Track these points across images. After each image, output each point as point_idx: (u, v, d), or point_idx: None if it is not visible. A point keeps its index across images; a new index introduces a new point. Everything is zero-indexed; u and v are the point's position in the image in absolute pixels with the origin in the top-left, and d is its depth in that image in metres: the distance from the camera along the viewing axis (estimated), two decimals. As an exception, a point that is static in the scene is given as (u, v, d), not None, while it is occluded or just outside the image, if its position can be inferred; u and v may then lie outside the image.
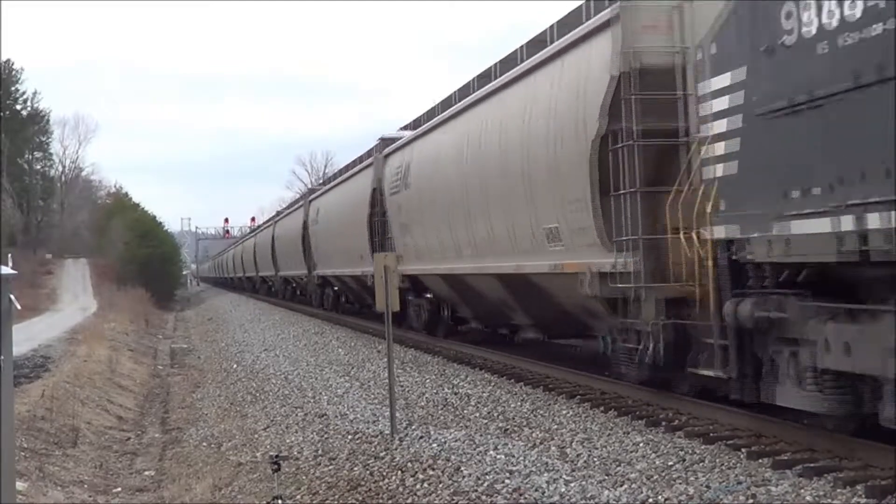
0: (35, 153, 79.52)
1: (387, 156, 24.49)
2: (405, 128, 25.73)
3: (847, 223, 7.61)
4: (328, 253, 33.85)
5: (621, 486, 8.35)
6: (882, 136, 7.25)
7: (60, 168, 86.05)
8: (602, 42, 12.08)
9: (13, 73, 74.32)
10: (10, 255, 8.93)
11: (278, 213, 58.30)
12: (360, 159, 30.50)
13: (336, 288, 35.38)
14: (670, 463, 8.92)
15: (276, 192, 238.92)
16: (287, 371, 19.79)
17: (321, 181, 43.18)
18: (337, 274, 32.61)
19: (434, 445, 10.68)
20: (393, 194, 23.06)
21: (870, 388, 7.98)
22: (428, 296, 22.19)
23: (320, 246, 35.43)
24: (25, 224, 74.48)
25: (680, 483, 8.24)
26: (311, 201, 39.05)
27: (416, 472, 9.76)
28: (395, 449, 10.87)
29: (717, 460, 8.89)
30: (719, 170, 9.58)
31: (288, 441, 12.89)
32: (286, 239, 45.86)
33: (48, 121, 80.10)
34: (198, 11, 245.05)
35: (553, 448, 10.06)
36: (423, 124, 22.36)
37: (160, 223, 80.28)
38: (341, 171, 35.54)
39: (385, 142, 25.56)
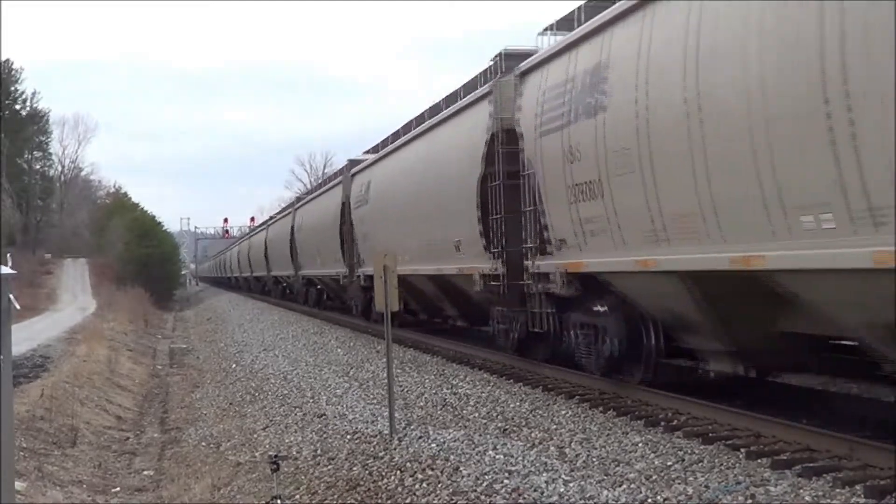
0: (34, 153, 79.56)
1: (525, 73, 14.68)
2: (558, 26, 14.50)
3: None
4: (385, 244, 22.43)
5: (620, 486, 8.35)
6: None
7: (60, 168, 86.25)
8: None
9: (12, 72, 74.38)
10: (9, 255, 8.94)
11: (298, 200, 46.29)
12: (451, 99, 19.79)
13: None
14: (669, 463, 8.92)
15: (275, 192, 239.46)
16: (286, 371, 19.79)
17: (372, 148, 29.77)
18: (401, 272, 20.47)
19: (433, 445, 10.68)
20: (547, 134, 13.26)
21: None
22: (599, 308, 12.86)
23: (371, 234, 25.20)
24: (25, 224, 74.49)
25: (679, 483, 8.25)
26: (354, 175, 28.40)
27: (415, 472, 9.76)
28: (394, 449, 10.87)
29: (716, 460, 8.89)
30: None
31: (287, 441, 12.90)
32: (312, 228, 35.88)
33: (47, 120, 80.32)
34: (198, 11, 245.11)
35: (552, 448, 10.06)
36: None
37: (159, 223, 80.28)
38: (410, 126, 23.50)
39: (512, 58, 15.77)
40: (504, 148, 15.03)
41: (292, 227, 41.08)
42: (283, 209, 55.66)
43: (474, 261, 16.64)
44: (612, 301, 12.53)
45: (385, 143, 26.66)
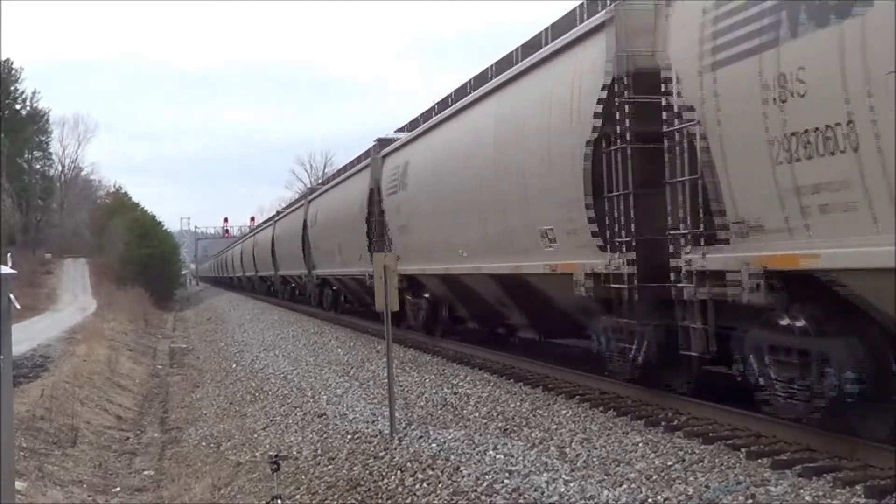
0: (34, 153, 79.71)
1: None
2: None
3: None
4: (429, 236, 19.43)
5: (620, 486, 8.34)
6: None
7: (60, 168, 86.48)
8: None
9: (12, 72, 74.43)
10: (9, 255, 8.91)
11: (311, 191, 40.42)
12: (531, 47, 15.21)
13: (427, 296, 21.06)
14: (669, 463, 8.92)
15: (275, 192, 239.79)
16: (286, 371, 19.79)
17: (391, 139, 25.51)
18: (452, 271, 17.98)
19: (433, 445, 10.68)
20: (727, 63, 9.21)
21: None
22: (802, 325, 8.80)
23: (410, 225, 20.83)
24: (25, 224, 74.58)
25: (679, 483, 8.24)
26: (385, 157, 23.84)
27: (416, 472, 9.76)
28: (395, 449, 10.87)
29: (717, 460, 8.88)
30: None
31: (287, 441, 12.90)
32: (331, 221, 30.87)
33: (47, 120, 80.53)
34: (198, 11, 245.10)
35: (552, 448, 10.06)
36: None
37: (159, 223, 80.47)
38: (466, 88, 19.07)
39: None
40: (632, 97, 11.01)
41: (305, 221, 36.45)
42: (294, 201, 51.25)
43: (576, 255, 12.46)
44: (834, 314, 8.54)
45: (429, 114, 21.85)
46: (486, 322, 19.56)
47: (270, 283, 53.37)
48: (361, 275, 25.63)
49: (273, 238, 48.53)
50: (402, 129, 25.21)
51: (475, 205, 16.27)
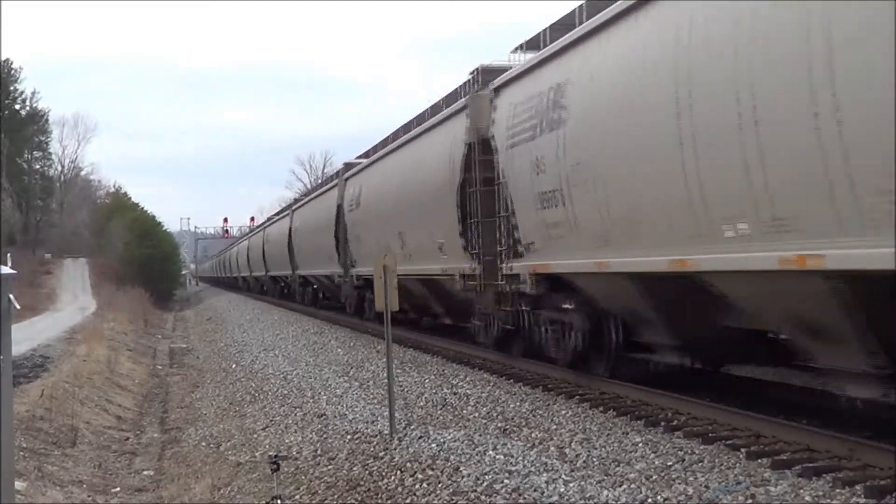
0: (34, 153, 79.62)
1: None
2: None
3: None
4: (604, 201, 11.38)
5: (620, 486, 8.34)
6: None
7: (59, 168, 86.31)
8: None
9: (12, 72, 74.42)
10: (9, 255, 8.90)
11: (347, 167, 30.50)
12: None
13: (572, 307, 13.43)
14: (669, 463, 8.92)
15: (275, 192, 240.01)
16: (286, 371, 19.79)
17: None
18: (699, 267, 9.59)
19: (433, 445, 10.68)
20: None
21: None
22: None
23: (562, 190, 12.46)
24: (24, 224, 74.55)
25: (679, 483, 8.24)
26: (500, 89, 15.51)
27: (416, 472, 9.76)
28: (395, 449, 10.87)
29: (717, 460, 8.89)
30: None
31: (287, 441, 12.90)
32: (386, 201, 22.91)
33: (47, 120, 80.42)
34: (198, 11, 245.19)
35: (552, 448, 10.06)
36: None
37: (159, 223, 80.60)
38: None
39: None
40: None
41: (339, 207, 28.87)
42: (320, 184, 43.32)
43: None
44: None
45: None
46: (717, 357, 12.18)
47: (285, 284, 45.23)
48: (442, 274, 17.27)
49: (291, 231, 39.88)
50: (529, 46, 15.59)
51: (802, 112, 7.69)
